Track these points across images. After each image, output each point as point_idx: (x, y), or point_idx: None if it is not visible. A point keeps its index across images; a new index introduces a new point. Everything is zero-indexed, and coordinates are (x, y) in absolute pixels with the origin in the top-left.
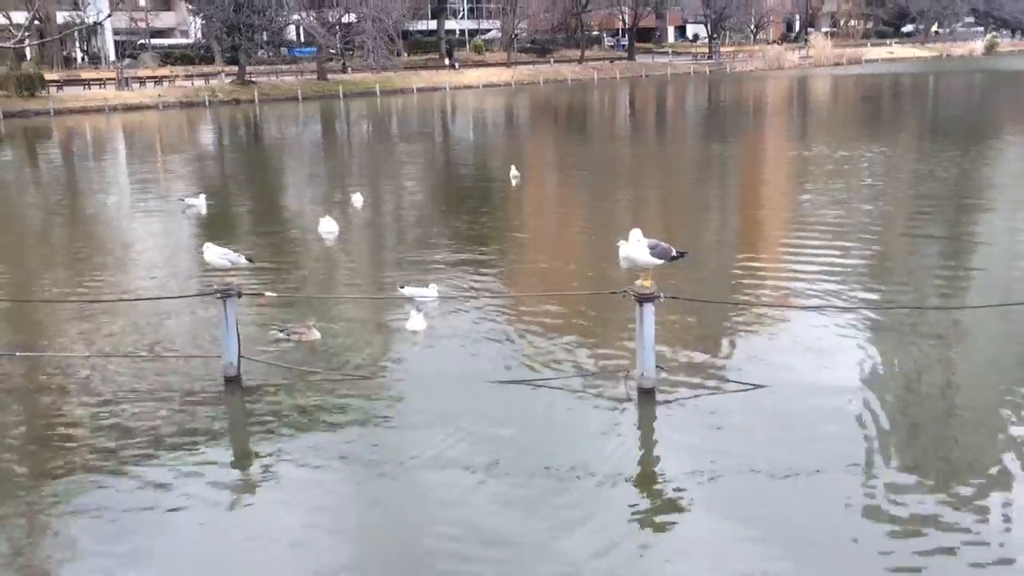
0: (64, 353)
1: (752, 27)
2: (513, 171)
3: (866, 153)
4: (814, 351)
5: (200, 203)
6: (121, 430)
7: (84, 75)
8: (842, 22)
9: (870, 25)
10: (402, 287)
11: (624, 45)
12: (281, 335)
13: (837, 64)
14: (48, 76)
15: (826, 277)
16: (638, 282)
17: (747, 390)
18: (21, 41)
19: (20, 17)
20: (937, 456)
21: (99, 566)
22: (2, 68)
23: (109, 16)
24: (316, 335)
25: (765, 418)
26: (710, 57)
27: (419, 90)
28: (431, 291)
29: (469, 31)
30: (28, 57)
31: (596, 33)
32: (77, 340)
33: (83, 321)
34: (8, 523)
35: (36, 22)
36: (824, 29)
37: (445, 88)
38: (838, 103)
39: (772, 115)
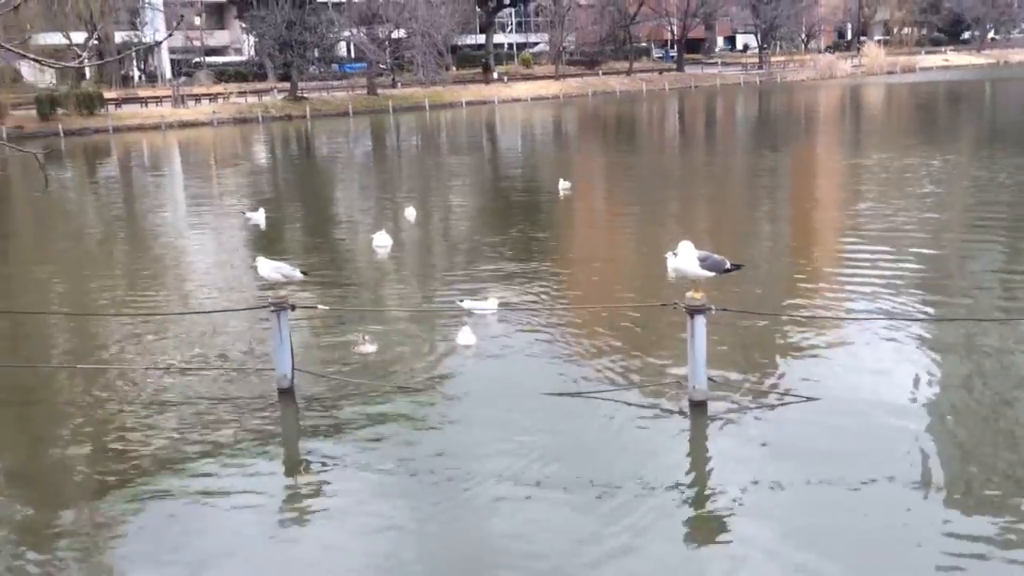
0: (121, 365)
1: (803, 36)
2: (563, 183)
3: (925, 161)
4: (869, 364)
5: (259, 216)
6: (176, 442)
7: (141, 93)
8: (895, 30)
9: (924, 32)
10: (461, 300)
11: (673, 56)
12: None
13: (891, 72)
14: (107, 94)
15: (883, 288)
16: (689, 294)
17: (800, 403)
18: (83, 62)
19: (79, 37)
20: (994, 474)
21: (156, 574)
22: (63, 87)
23: (170, 35)
24: (372, 348)
25: (818, 432)
26: (760, 67)
27: (468, 104)
28: (491, 304)
29: (518, 44)
30: (87, 76)
31: (644, 45)
32: (134, 352)
33: (140, 334)
34: (69, 533)
35: (95, 42)
36: (877, 37)
37: (494, 101)
38: (893, 111)
39: (825, 124)
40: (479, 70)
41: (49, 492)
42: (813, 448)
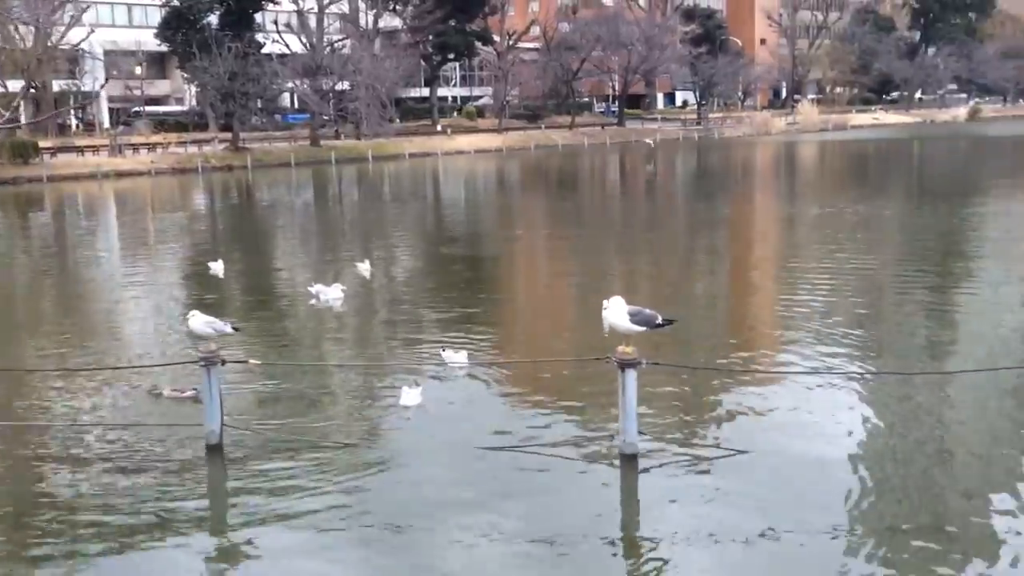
0: (43, 421)
1: (740, 94)
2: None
3: (875, 212)
4: (800, 417)
5: (219, 267)
6: (102, 500)
7: (78, 142)
8: (828, 89)
9: (855, 91)
10: (443, 349)
11: (614, 111)
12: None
13: (823, 130)
14: (42, 143)
15: (814, 342)
16: (620, 348)
17: (730, 456)
18: (15, 120)
19: (15, 85)
20: (926, 524)
21: None
22: None
23: (103, 85)
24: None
25: (748, 484)
26: (699, 123)
27: (411, 156)
28: (460, 356)
29: (462, 97)
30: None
31: (587, 99)
32: (60, 409)
33: (66, 389)
34: None
35: (31, 90)
36: (810, 96)
37: (437, 154)
38: (826, 167)
39: (762, 178)
40: (423, 122)
41: None
42: (743, 500)
